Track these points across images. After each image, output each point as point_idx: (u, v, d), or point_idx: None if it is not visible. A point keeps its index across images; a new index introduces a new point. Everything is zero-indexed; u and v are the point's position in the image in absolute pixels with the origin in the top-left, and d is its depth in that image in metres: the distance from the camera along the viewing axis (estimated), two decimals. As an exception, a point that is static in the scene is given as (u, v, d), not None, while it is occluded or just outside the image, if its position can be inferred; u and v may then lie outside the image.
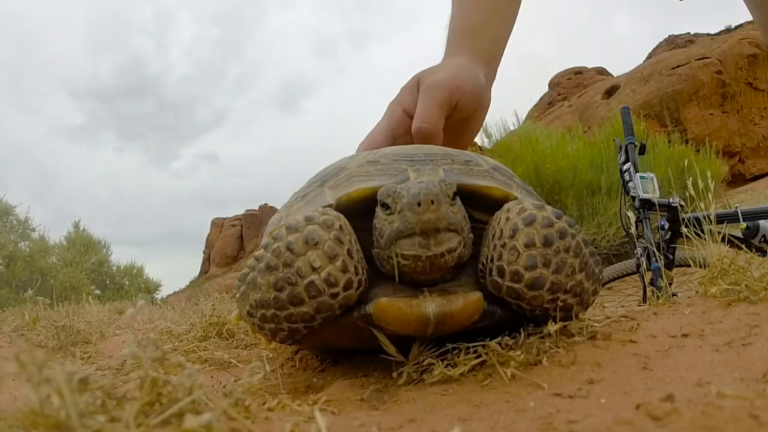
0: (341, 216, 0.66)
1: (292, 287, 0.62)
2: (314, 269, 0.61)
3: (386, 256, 0.64)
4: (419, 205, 0.59)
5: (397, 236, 0.61)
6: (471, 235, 0.67)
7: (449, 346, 0.66)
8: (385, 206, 0.64)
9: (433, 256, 0.61)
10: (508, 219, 0.65)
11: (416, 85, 0.94)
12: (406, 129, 0.93)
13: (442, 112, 0.91)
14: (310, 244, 0.62)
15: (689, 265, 1.84)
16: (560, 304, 0.65)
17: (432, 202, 0.59)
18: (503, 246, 0.64)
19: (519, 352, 0.61)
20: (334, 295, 0.62)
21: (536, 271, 0.62)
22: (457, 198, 0.65)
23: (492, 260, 0.65)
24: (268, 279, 0.63)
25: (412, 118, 0.92)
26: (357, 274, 0.64)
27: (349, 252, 0.64)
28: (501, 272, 0.64)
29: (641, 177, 1.87)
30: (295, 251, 0.62)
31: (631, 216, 1.76)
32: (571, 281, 0.64)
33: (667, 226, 1.83)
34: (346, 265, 0.63)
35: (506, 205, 0.68)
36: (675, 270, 1.87)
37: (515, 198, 0.72)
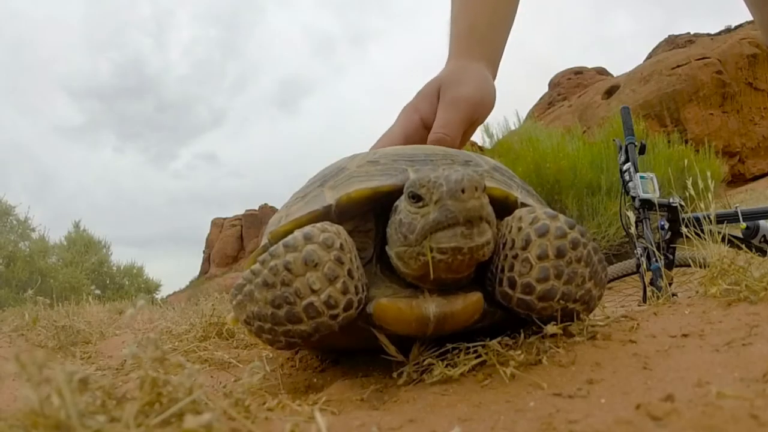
0: (342, 231, 0.64)
1: (290, 306, 0.60)
2: (313, 291, 0.59)
3: (416, 253, 0.60)
4: (463, 191, 0.56)
5: (435, 228, 0.58)
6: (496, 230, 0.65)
7: (449, 346, 0.66)
8: (417, 198, 0.60)
9: (475, 248, 0.58)
10: (520, 229, 0.64)
11: (436, 93, 0.91)
12: (421, 137, 0.91)
13: (464, 127, 0.89)
14: (309, 265, 0.60)
15: (689, 265, 1.84)
16: (569, 312, 0.64)
17: (476, 189, 0.56)
18: (515, 257, 0.63)
19: (519, 352, 0.61)
20: (334, 316, 0.61)
21: (548, 283, 0.61)
22: None
23: (503, 270, 0.64)
24: (266, 295, 0.61)
25: (427, 126, 0.90)
26: (357, 293, 0.62)
27: (349, 272, 0.61)
28: (512, 284, 0.63)
29: (641, 177, 1.87)
30: (293, 271, 0.60)
31: (631, 216, 1.76)
32: (581, 290, 0.63)
33: (667, 226, 1.83)
34: (346, 286, 0.61)
35: (517, 213, 0.66)
36: (675, 270, 1.87)
37: (515, 198, 0.72)
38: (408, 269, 0.64)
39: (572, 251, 0.62)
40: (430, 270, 0.59)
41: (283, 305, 0.60)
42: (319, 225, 0.64)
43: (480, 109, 0.90)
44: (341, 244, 0.62)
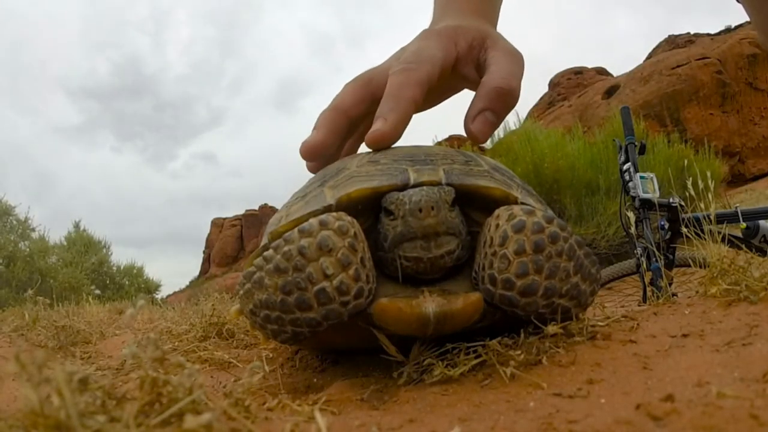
0: (355, 222, 0.66)
1: (301, 292, 0.60)
2: (326, 276, 0.60)
3: (390, 258, 0.67)
4: (420, 211, 0.62)
5: (401, 240, 0.64)
6: (468, 237, 0.69)
7: (449, 346, 0.66)
8: (389, 212, 0.66)
9: (433, 258, 0.64)
10: (497, 226, 0.65)
11: (480, 38, 0.80)
12: (448, 76, 0.80)
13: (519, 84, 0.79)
14: (323, 249, 0.61)
15: (689, 265, 1.85)
16: (556, 307, 0.64)
17: (432, 209, 0.63)
18: (494, 254, 0.64)
19: (519, 352, 0.61)
20: (345, 303, 0.61)
21: (528, 278, 0.62)
22: (456, 203, 0.67)
23: (483, 268, 0.65)
24: (276, 281, 0.61)
25: (456, 69, 0.81)
26: (368, 282, 0.64)
27: (362, 260, 0.63)
28: (493, 281, 0.64)
29: (641, 177, 1.87)
30: (307, 256, 0.61)
31: (631, 216, 1.76)
32: (566, 285, 0.63)
33: (667, 226, 1.84)
34: (358, 273, 0.62)
35: (496, 211, 0.68)
36: (675, 270, 1.87)
37: (515, 198, 0.72)
38: (387, 271, 0.70)
39: (551, 246, 0.63)
40: (399, 273, 0.67)
41: (294, 291, 0.61)
42: (334, 214, 0.66)
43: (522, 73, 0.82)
44: (355, 233, 0.64)
